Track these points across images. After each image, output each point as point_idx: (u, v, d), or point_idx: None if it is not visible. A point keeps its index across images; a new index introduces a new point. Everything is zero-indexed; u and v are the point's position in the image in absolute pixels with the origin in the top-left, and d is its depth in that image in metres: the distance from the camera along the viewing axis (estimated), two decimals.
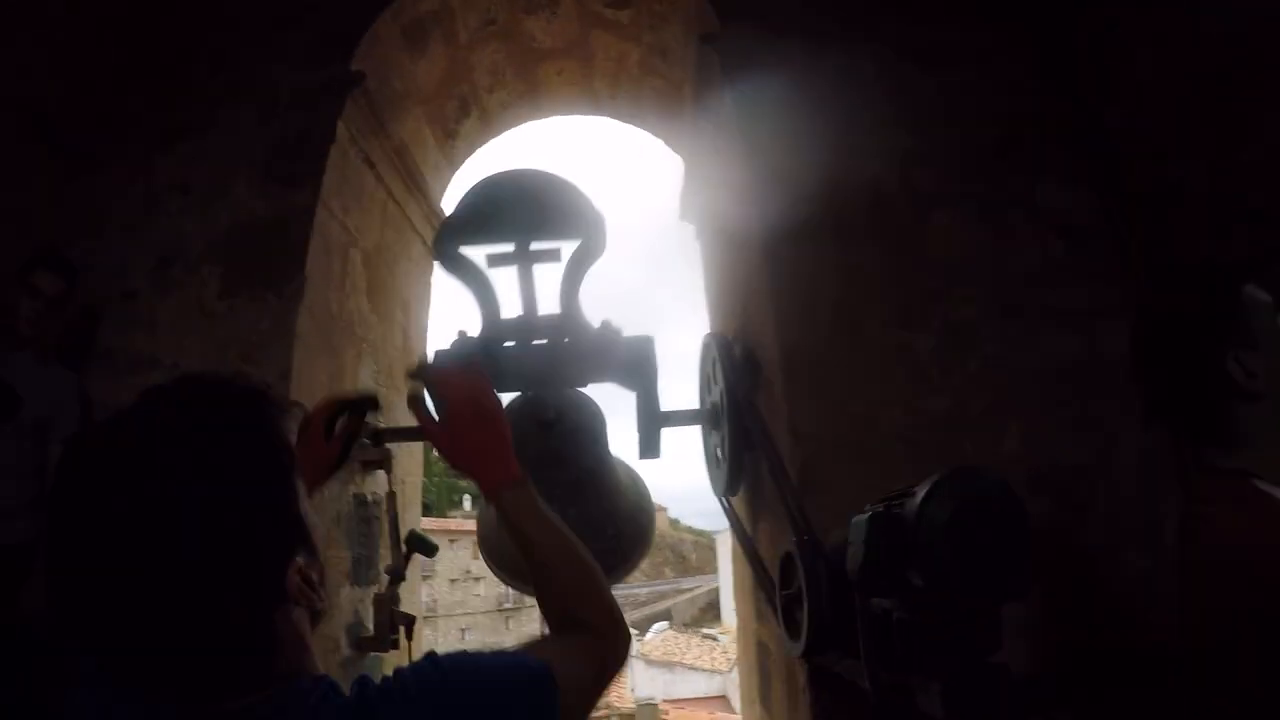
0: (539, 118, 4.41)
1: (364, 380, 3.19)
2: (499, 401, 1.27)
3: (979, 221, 2.66)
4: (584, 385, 2.06)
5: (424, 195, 3.88)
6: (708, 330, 3.17)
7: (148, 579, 0.70)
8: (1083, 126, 2.74)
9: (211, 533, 0.72)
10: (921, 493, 1.55)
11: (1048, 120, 2.78)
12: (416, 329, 4.03)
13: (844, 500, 2.17)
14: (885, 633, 1.61)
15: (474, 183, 1.98)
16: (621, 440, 4.19)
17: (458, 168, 4.35)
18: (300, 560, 0.84)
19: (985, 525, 1.50)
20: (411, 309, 3.95)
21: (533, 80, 4.07)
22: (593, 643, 1.07)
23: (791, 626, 2.05)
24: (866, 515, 1.66)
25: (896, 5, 2.96)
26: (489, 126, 4.31)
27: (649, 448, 2.20)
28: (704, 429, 2.93)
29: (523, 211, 1.93)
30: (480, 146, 4.39)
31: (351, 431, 1.51)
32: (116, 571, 0.70)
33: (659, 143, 4.28)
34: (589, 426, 2.10)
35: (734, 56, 2.90)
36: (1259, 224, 2.28)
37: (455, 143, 4.17)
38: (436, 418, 1.23)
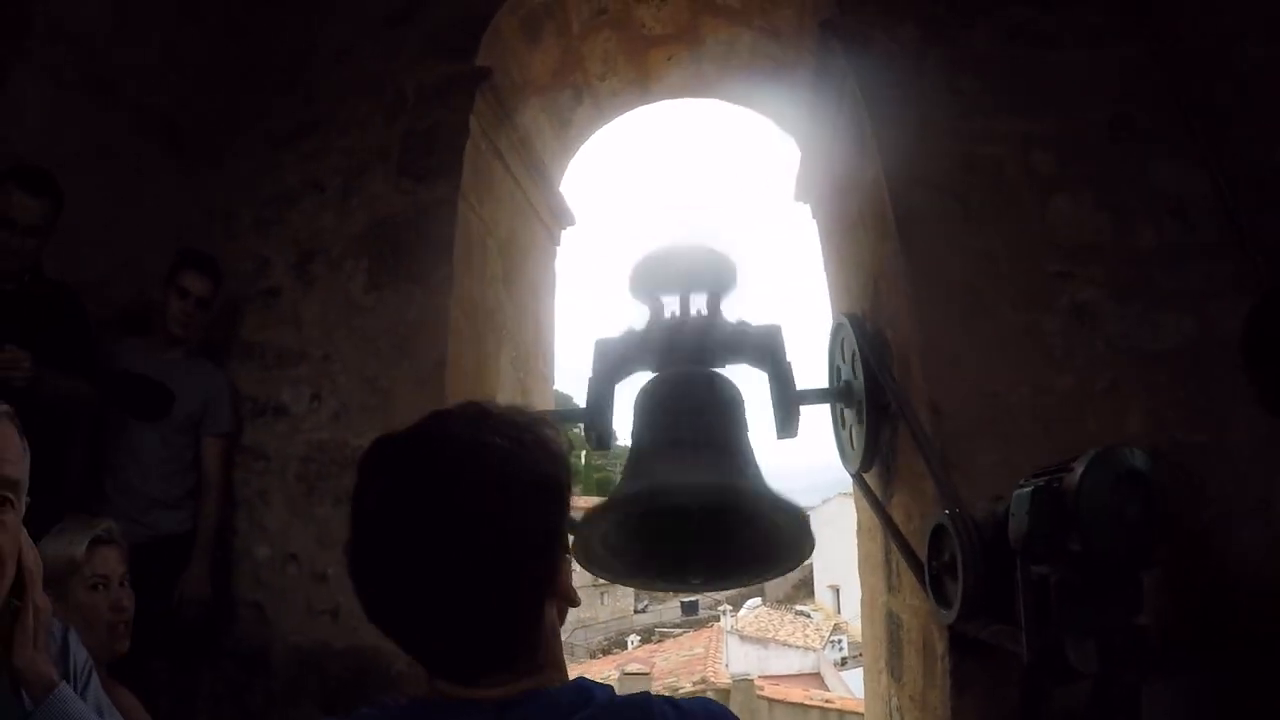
0: (649, 102, 4.49)
1: (504, 367, 3.34)
2: None
3: (1095, 204, 2.69)
4: (723, 366, 2.26)
5: (546, 183, 4.02)
6: (831, 310, 3.23)
7: (457, 569, 0.83)
8: (1193, 106, 2.72)
9: (510, 534, 0.85)
10: (1080, 468, 1.67)
11: (1158, 101, 2.77)
12: (545, 314, 4.18)
13: (979, 476, 2.26)
14: (1043, 596, 1.73)
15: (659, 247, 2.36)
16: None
17: (573, 154, 4.48)
18: (569, 558, 0.97)
19: (1136, 498, 1.65)
20: (540, 295, 4.10)
21: (643, 67, 4.15)
22: None
23: (940, 595, 2.14)
24: (1029, 488, 1.79)
25: None
26: (601, 113, 4.41)
27: (786, 427, 2.36)
28: (833, 407, 3.00)
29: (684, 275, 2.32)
30: (593, 133, 4.51)
31: None
32: (429, 563, 0.83)
33: (769, 123, 4.33)
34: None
35: (854, 41, 2.94)
36: None
37: (570, 131, 4.30)
38: None
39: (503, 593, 0.85)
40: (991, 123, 2.75)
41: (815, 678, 18.87)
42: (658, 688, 14.98)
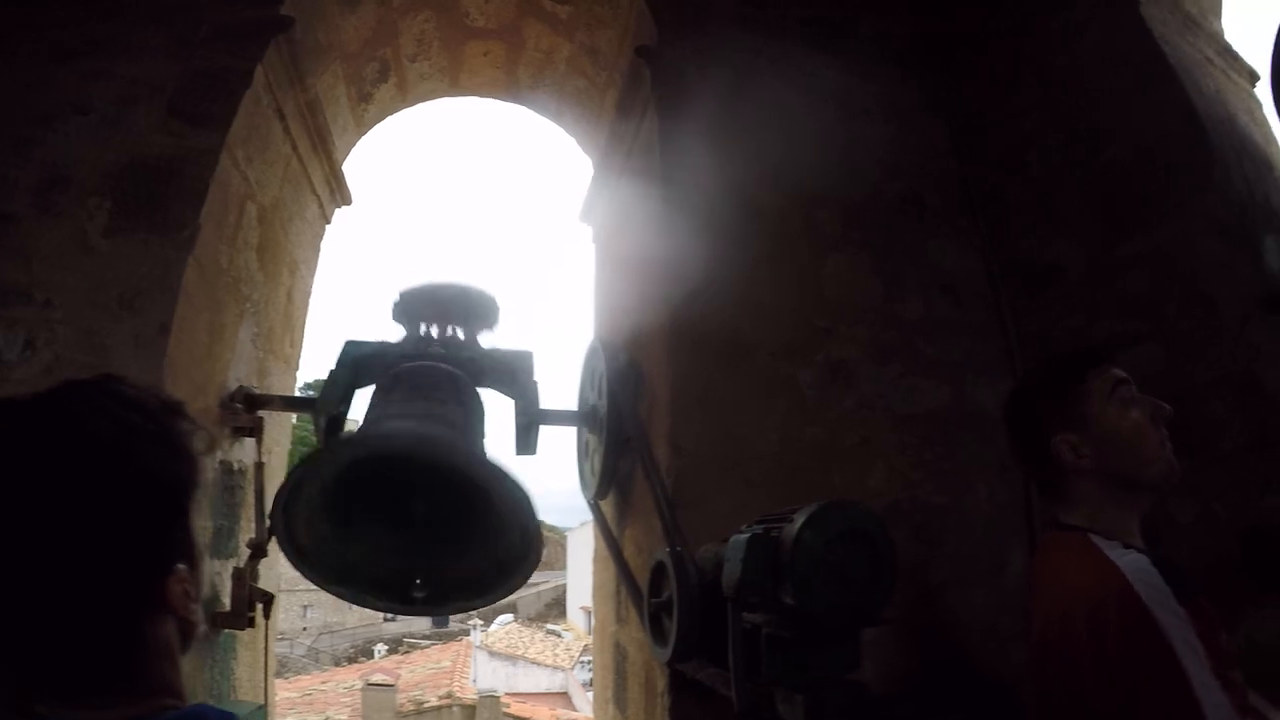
0: (455, 95, 4.33)
1: (243, 342, 3.06)
2: None
3: (871, 268, 2.80)
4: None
5: (328, 156, 3.75)
6: (594, 334, 3.21)
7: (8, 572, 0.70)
8: (983, 196, 2.93)
9: (84, 534, 0.73)
10: (800, 519, 1.65)
11: (950, 184, 2.97)
12: (300, 293, 3.88)
13: (715, 517, 2.26)
14: (754, 646, 1.72)
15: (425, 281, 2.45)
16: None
17: (365, 131, 4.22)
18: (183, 570, 0.83)
19: (856, 555, 1.64)
20: (299, 272, 3.80)
21: (458, 57, 4.00)
22: None
23: (658, 633, 2.12)
24: (746, 535, 1.76)
25: (830, 50, 3.09)
26: (404, 95, 4.20)
27: (525, 443, 2.35)
28: (579, 431, 2.97)
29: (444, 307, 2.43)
30: (392, 114, 4.28)
31: None
32: None
33: (570, 141, 4.28)
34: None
35: (666, 72, 2.95)
36: (1128, 313, 2.53)
37: (368, 106, 4.06)
38: None
39: (71, 604, 0.72)
40: (784, 176, 2.81)
41: (563, 697, 18.98)
42: (402, 700, 14.59)
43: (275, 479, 3.43)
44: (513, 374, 2.38)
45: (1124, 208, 2.61)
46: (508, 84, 4.17)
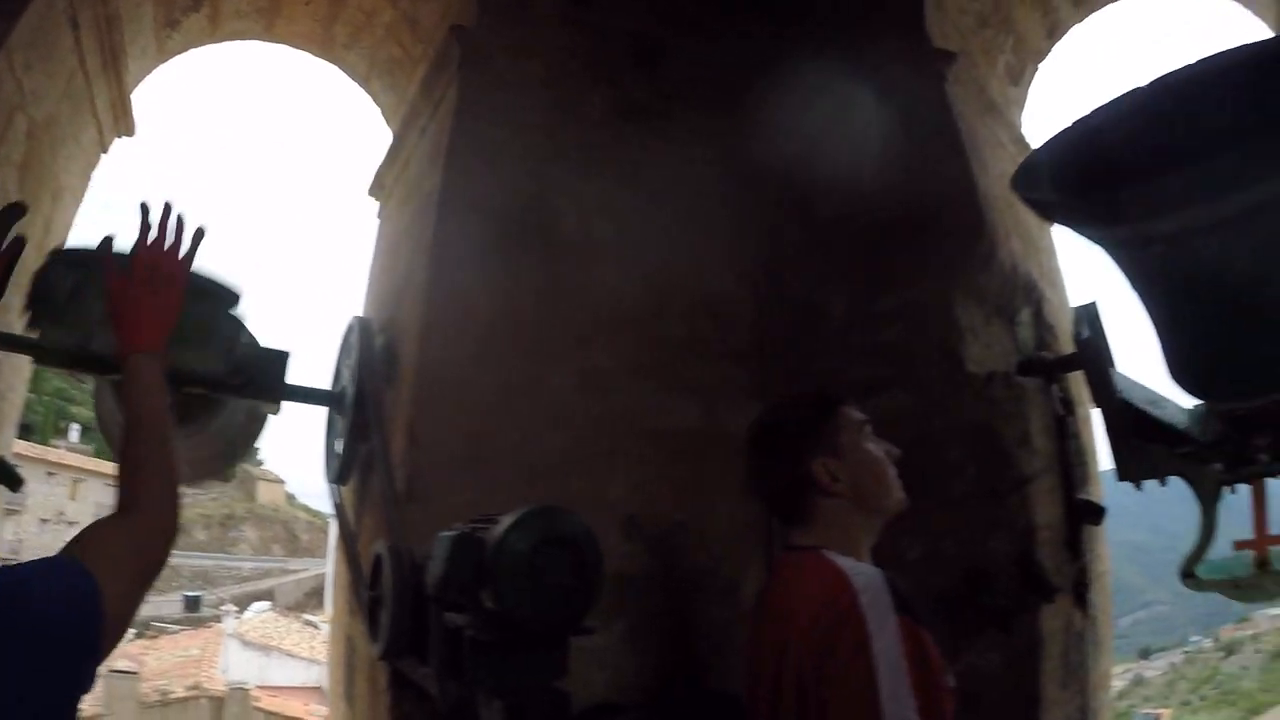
0: (267, 40, 4.06)
1: None
2: (185, 278, 1.38)
3: (642, 284, 2.80)
4: None
5: (118, 78, 3.41)
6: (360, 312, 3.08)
7: None
8: (761, 233, 3.04)
9: None
10: (507, 522, 1.62)
11: (734, 210, 3.03)
12: (61, 225, 3.50)
13: (447, 513, 2.18)
14: (457, 647, 1.68)
15: None
16: None
17: (165, 60, 3.90)
18: None
19: (560, 562, 1.61)
20: (62, 200, 3.43)
21: (277, 1, 3.76)
22: (140, 520, 1.12)
23: (374, 627, 2.05)
24: (452, 534, 1.72)
25: (614, 69, 3.09)
26: (214, 30, 3.88)
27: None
28: (330, 411, 2.84)
29: None
30: (195, 48, 3.97)
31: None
32: None
33: (376, 111, 4.12)
34: None
35: (475, 54, 2.88)
36: (881, 360, 2.69)
37: (173, 34, 3.73)
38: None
39: None
40: (569, 178, 2.79)
41: (318, 692, 18.21)
42: (146, 689, 13.53)
43: (3, 428, 3.09)
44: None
45: (891, 264, 2.79)
46: (323, 40, 3.94)
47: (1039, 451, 2.54)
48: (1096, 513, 2.73)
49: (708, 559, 2.64)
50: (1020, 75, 3.63)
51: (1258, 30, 3.27)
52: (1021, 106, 3.60)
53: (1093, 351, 2.45)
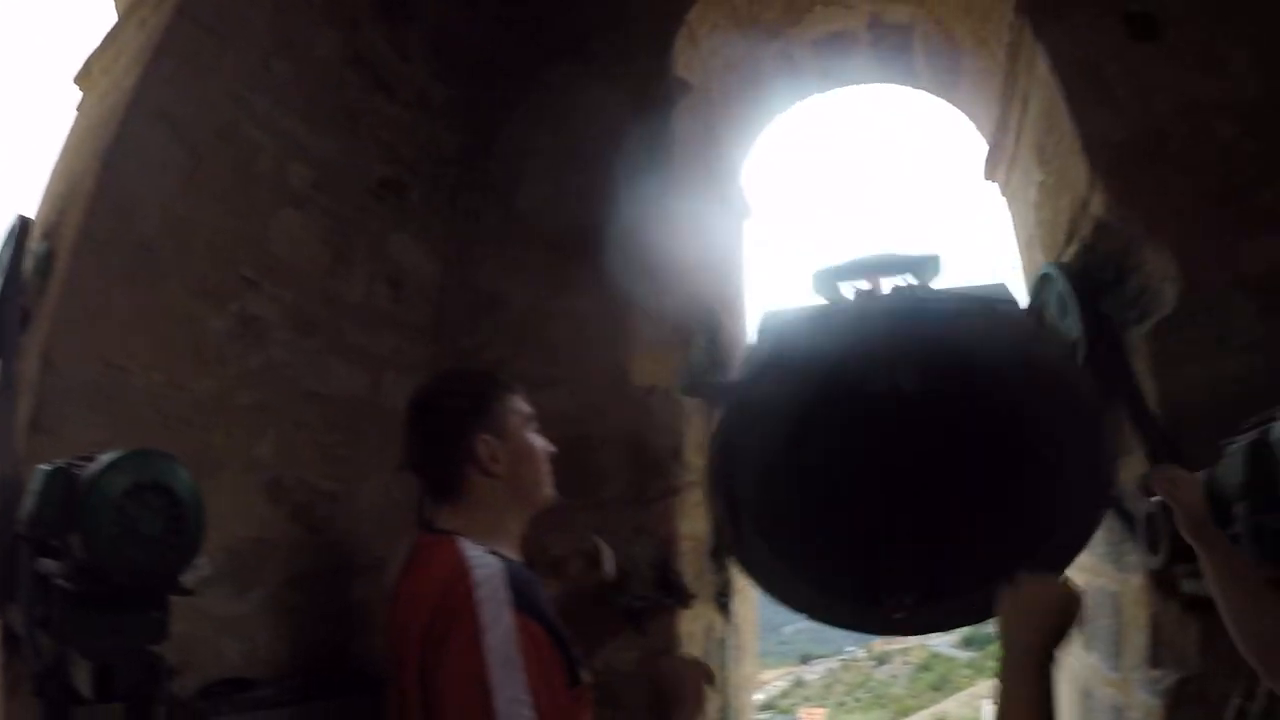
0: None
1: None
2: None
3: (323, 236, 2.70)
4: None
5: None
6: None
7: None
8: (463, 215, 3.07)
9: None
10: (104, 461, 1.49)
11: (441, 189, 3.02)
12: None
13: (77, 448, 1.99)
14: (49, 598, 1.54)
15: None
16: None
17: None
18: None
19: (156, 512, 1.50)
20: None
21: None
22: None
23: None
24: (49, 468, 1.56)
25: (354, 10, 2.93)
26: None
27: None
28: None
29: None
30: None
31: None
32: None
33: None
34: None
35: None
36: (549, 358, 2.81)
37: None
38: None
39: None
40: (275, 112, 2.61)
41: None
42: None
43: None
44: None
45: (575, 267, 2.89)
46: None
47: (689, 466, 2.71)
48: None
49: (356, 534, 2.59)
50: (755, 125, 3.87)
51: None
52: (745, 152, 3.85)
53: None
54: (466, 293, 3.01)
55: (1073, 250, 2.77)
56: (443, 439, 1.58)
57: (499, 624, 1.30)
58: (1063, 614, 1.33)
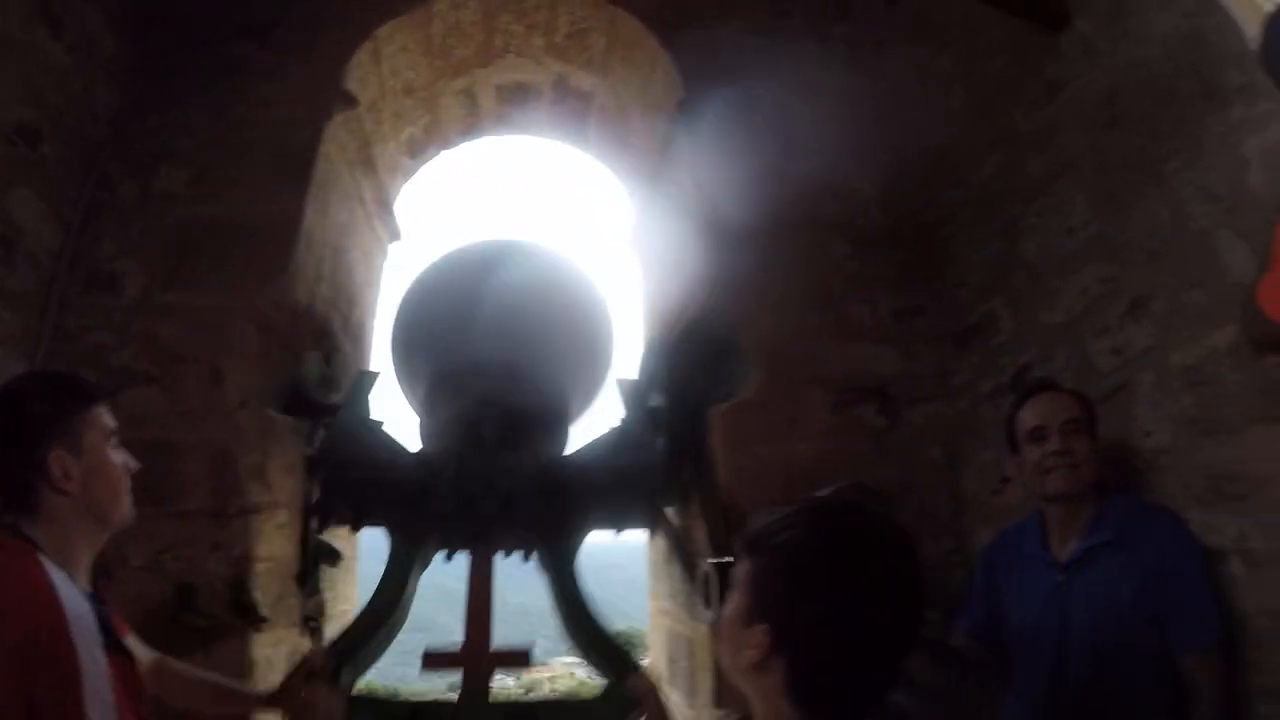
0: None
1: None
2: None
3: None
4: None
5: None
6: None
7: None
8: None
9: None
10: None
11: (78, 145, 2.77)
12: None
13: None
14: None
15: None
16: None
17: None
18: None
19: None
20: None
21: None
22: None
23: None
24: None
25: None
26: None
27: None
28: None
29: None
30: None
31: None
32: None
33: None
34: None
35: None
36: (149, 354, 2.63)
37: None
38: None
39: None
40: None
41: None
42: None
43: None
44: None
45: (195, 262, 2.78)
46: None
47: (274, 485, 2.63)
48: (334, 555, 2.89)
49: None
50: (421, 151, 3.90)
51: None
52: (407, 177, 3.87)
53: (354, 407, 2.64)
54: (83, 268, 2.75)
55: (680, 329, 3.07)
56: (16, 448, 1.45)
57: (97, 667, 1.28)
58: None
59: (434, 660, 2.26)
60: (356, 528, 2.73)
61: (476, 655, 2.24)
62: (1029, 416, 2.06)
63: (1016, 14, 2.45)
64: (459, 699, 2.16)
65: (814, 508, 1.08)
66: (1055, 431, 1.99)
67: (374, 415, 2.67)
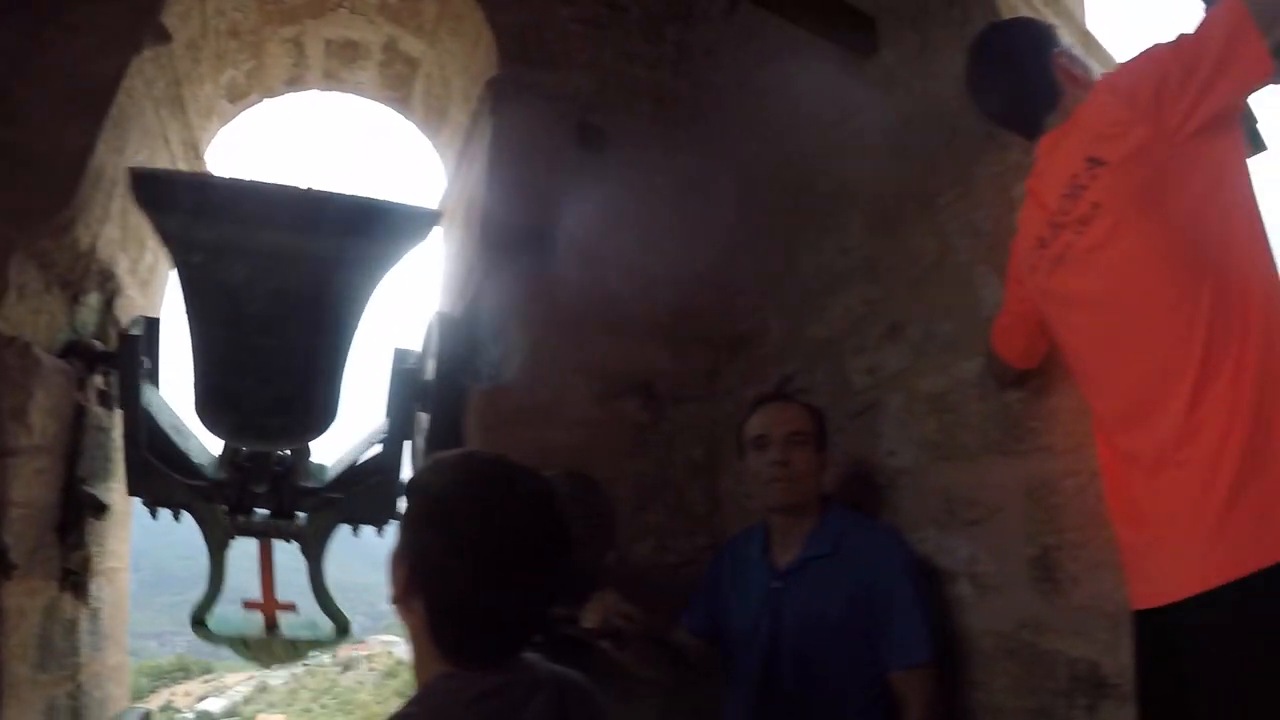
0: None
1: None
2: None
3: None
4: None
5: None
6: None
7: None
8: None
9: None
10: None
11: None
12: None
13: None
14: None
15: None
16: None
17: None
18: None
19: None
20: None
21: None
22: None
23: None
24: None
25: None
26: None
27: None
28: None
29: None
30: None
31: None
32: None
33: None
34: None
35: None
36: None
37: None
38: None
39: None
40: None
41: None
42: None
43: None
44: None
45: None
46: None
47: (36, 429, 2.49)
48: (99, 508, 2.77)
49: None
50: (241, 97, 3.76)
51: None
52: (224, 121, 3.72)
53: (130, 356, 2.54)
54: None
55: (459, 308, 3.14)
56: None
57: None
58: None
59: (249, 605, 3.11)
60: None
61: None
62: (755, 424, 2.10)
63: (827, 39, 2.57)
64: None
65: (460, 456, 1.16)
66: (777, 441, 2.03)
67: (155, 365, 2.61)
